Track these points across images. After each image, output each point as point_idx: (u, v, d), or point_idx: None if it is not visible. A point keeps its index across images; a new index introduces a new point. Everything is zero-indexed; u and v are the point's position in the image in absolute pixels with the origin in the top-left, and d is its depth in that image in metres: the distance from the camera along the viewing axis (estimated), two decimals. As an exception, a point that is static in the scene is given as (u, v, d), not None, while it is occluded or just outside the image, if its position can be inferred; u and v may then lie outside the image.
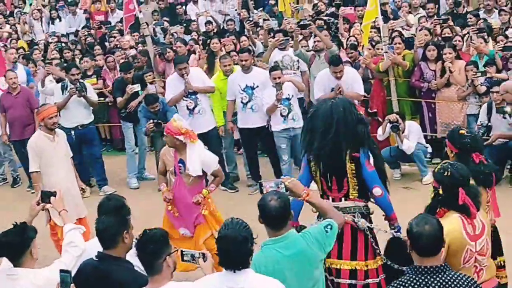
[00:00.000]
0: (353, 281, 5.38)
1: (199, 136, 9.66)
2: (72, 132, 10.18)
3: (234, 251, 3.89)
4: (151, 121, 9.79)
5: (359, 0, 14.00)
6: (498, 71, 9.95)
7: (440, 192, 4.58)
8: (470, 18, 11.78)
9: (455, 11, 12.63)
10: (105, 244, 4.55)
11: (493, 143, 8.90)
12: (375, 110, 10.71)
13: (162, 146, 7.72)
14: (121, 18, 14.48)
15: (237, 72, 10.11)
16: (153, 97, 10.18)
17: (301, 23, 11.75)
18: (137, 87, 10.66)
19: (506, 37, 10.66)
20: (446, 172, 4.56)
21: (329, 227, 4.46)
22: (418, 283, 3.81)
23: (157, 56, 12.02)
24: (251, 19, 13.80)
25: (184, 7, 16.11)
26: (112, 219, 4.58)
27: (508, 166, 9.66)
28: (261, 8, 14.43)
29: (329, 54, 10.26)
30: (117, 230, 4.51)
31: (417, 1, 13.04)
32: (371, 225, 5.43)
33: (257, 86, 9.82)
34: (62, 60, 12.89)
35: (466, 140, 5.33)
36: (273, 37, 11.56)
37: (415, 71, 10.54)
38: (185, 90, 9.74)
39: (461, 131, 5.46)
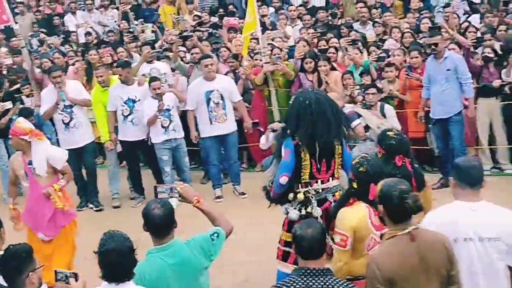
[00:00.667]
0: None
1: (74, 150, 9.51)
2: None
3: (120, 263, 3.85)
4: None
5: (239, 12, 14.13)
6: (373, 80, 10.30)
7: (354, 185, 4.82)
8: (343, 29, 12.18)
9: (330, 23, 12.98)
10: None
11: None
12: (257, 120, 10.83)
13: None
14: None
15: (118, 84, 9.98)
16: (28, 110, 9.93)
17: (184, 34, 11.75)
18: (8, 105, 10.37)
19: (378, 47, 11.05)
20: (361, 168, 4.80)
21: (215, 235, 4.48)
22: (299, 284, 3.86)
23: (34, 67, 11.68)
24: (131, 30, 13.66)
25: (61, 18, 15.73)
26: None
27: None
28: (141, 19, 14.27)
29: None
30: None
31: (295, 13, 13.31)
32: None
33: (139, 100, 9.75)
34: None
35: (391, 142, 5.42)
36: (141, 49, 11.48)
37: (294, 82, 10.74)
38: (57, 101, 9.52)
39: (389, 133, 5.55)
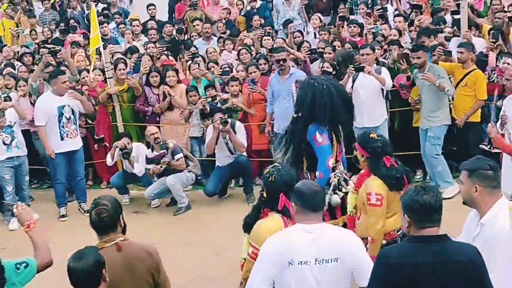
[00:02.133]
0: None
1: None
2: None
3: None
4: None
5: (81, 26, 13.87)
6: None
7: (265, 195, 4.85)
8: (182, 46, 12.38)
9: (176, 38, 13.04)
10: None
11: None
12: (102, 135, 10.67)
13: None
14: None
15: None
16: None
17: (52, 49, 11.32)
18: None
19: (216, 63, 11.26)
20: (270, 178, 4.82)
21: (23, 264, 4.32)
22: None
23: None
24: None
25: None
26: None
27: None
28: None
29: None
30: None
31: (138, 28, 13.26)
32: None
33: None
34: None
35: (377, 144, 5.52)
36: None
37: (140, 96, 10.70)
38: None
39: (371, 135, 5.62)
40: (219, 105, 10.21)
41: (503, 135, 7.72)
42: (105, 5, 15.02)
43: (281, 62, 9.46)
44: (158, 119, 10.65)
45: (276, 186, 4.78)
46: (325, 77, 6.75)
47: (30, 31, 13.74)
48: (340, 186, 6.03)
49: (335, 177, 6.03)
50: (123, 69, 10.71)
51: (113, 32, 13.39)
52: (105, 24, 12.97)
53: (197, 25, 13.13)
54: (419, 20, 11.33)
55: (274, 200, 4.77)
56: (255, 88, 10.19)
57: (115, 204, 4.42)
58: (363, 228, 5.55)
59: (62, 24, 13.97)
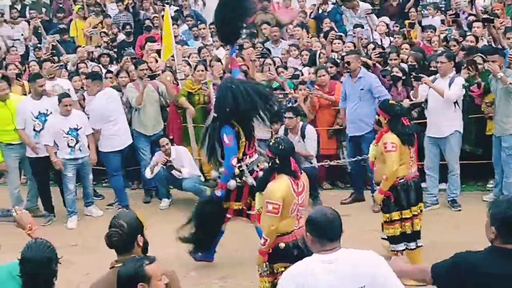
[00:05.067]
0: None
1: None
2: None
3: (39, 273, 3.84)
4: None
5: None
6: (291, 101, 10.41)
7: (277, 161, 5.62)
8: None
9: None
10: None
11: None
12: (172, 137, 10.67)
13: None
14: None
15: (26, 99, 9.73)
16: None
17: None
18: None
19: (286, 68, 11.19)
20: (280, 146, 5.66)
21: None
22: None
23: None
24: (40, 45, 13.45)
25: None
26: None
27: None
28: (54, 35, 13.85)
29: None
30: None
31: (204, 31, 13.36)
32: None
33: (51, 113, 9.51)
34: None
35: (397, 108, 6.92)
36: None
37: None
38: None
39: (390, 102, 7.09)
40: (289, 104, 10.11)
41: None
42: (177, 7, 15.14)
43: (346, 65, 9.42)
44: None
45: (286, 152, 5.63)
46: (239, 79, 7.60)
47: (101, 33, 13.92)
48: (242, 176, 7.14)
49: (238, 168, 7.08)
50: (202, 70, 10.72)
51: (181, 36, 13.45)
52: (175, 26, 13.05)
53: (265, 28, 13.13)
54: (501, 23, 10.91)
55: (285, 164, 5.60)
56: (315, 93, 10.05)
57: (133, 224, 4.12)
58: (378, 173, 6.93)
59: (127, 27, 14.08)
